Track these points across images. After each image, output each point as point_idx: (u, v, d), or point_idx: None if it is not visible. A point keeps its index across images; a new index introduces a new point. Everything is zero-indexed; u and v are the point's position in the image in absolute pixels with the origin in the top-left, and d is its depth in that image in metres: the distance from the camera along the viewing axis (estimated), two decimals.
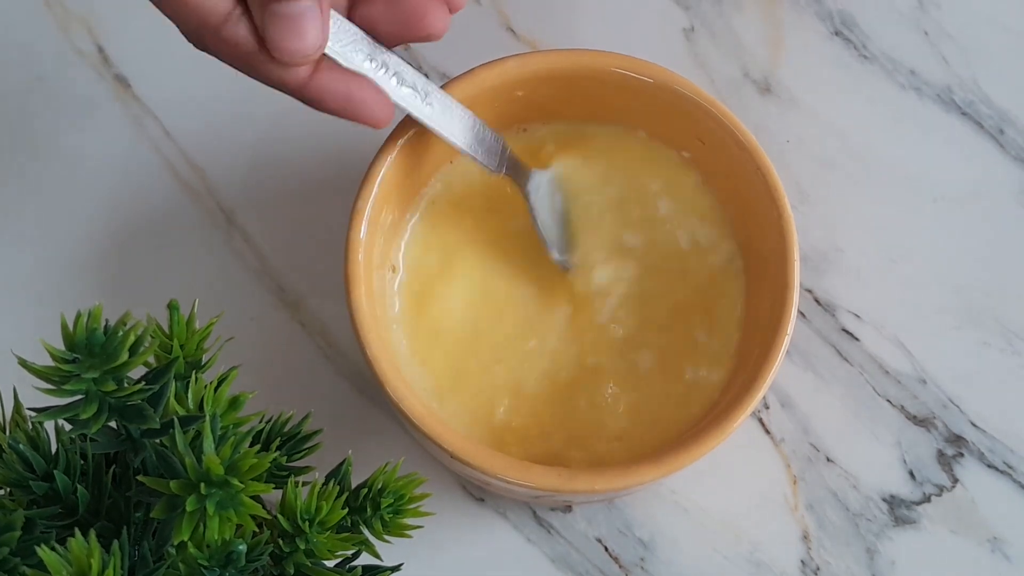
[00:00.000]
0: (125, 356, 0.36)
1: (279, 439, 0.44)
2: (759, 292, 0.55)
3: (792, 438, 0.59)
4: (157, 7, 0.44)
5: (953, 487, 0.58)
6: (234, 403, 0.41)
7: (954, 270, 0.61)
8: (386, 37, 0.48)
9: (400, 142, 0.53)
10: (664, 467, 0.50)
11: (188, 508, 0.36)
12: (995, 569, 0.57)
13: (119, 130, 0.62)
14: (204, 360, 0.43)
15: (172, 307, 0.42)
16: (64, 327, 0.35)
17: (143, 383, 0.38)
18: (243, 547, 0.37)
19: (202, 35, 0.44)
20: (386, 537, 0.43)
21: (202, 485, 0.37)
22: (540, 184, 0.56)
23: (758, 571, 0.57)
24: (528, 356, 0.55)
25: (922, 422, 0.59)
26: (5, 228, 0.61)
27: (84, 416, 0.36)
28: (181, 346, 0.42)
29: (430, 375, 0.55)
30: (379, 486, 0.42)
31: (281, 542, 0.41)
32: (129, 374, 0.37)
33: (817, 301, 0.61)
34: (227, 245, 0.61)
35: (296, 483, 0.41)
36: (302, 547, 0.41)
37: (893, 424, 0.59)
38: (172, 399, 0.39)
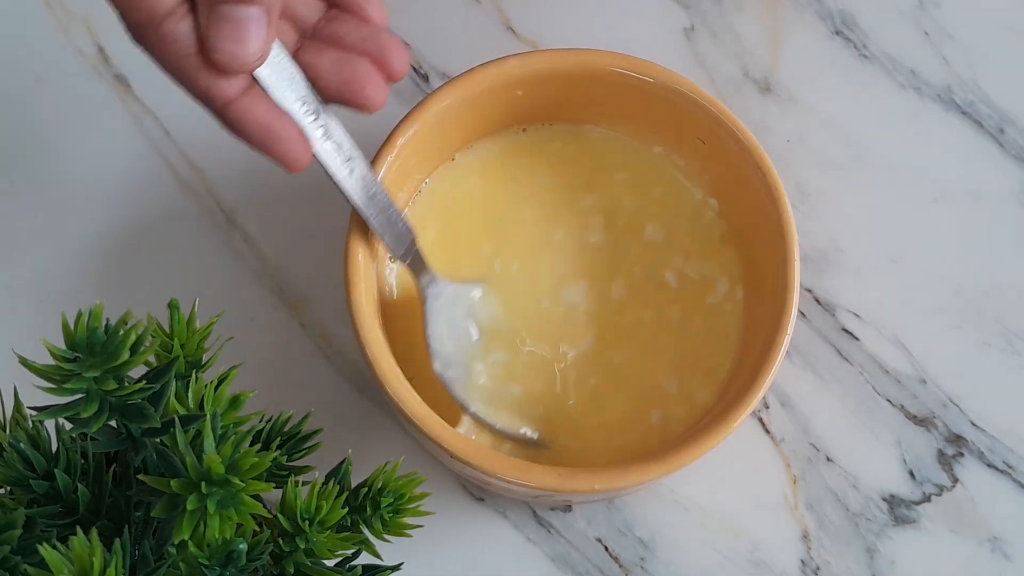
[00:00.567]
0: (126, 355, 0.36)
1: (279, 438, 0.44)
2: (759, 292, 0.55)
3: (792, 438, 0.59)
4: None
5: (953, 487, 0.58)
6: (234, 402, 0.41)
7: (954, 270, 0.61)
8: (323, 92, 0.47)
9: (400, 142, 0.53)
10: (664, 467, 0.50)
11: (189, 507, 0.36)
12: (995, 569, 0.57)
13: (119, 130, 0.62)
14: (204, 359, 0.43)
15: (172, 306, 0.42)
16: (65, 326, 0.35)
17: (144, 382, 0.38)
18: (243, 546, 0.37)
19: (145, 30, 0.43)
20: (386, 536, 0.43)
21: (203, 484, 0.37)
22: (442, 292, 0.54)
23: (758, 571, 0.57)
24: (528, 353, 0.55)
25: (922, 422, 0.59)
26: (5, 228, 0.61)
27: (85, 415, 0.36)
28: (182, 345, 0.42)
29: (430, 375, 0.55)
30: (379, 485, 0.42)
31: (281, 541, 0.41)
32: (130, 373, 0.37)
33: (817, 301, 0.61)
34: (227, 245, 0.61)
35: (296, 482, 0.41)
36: (302, 546, 0.41)
37: (893, 424, 0.59)
38: (173, 398, 0.39)
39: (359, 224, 0.52)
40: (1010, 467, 0.59)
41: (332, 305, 0.60)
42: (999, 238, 0.62)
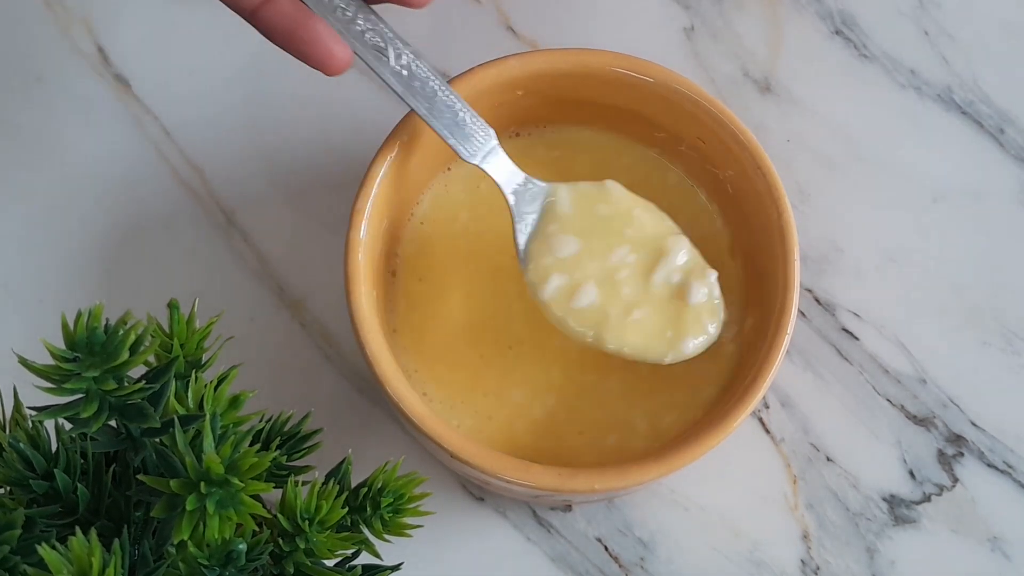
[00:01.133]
0: (125, 355, 0.36)
1: (279, 438, 0.44)
2: (759, 292, 0.55)
3: (792, 438, 0.59)
4: None
5: (953, 487, 0.58)
6: (234, 402, 0.41)
7: (954, 270, 0.61)
8: None
9: (400, 142, 0.53)
10: (664, 467, 0.50)
11: (188, 507, 0.36)
12: (995, 569, 0.57)
13: (119, 130, 0.62)
14: (204, 359, 0.43)
15: (172, 306, 0.42)
16: (65, 326, 0.35)
17: (143, 382, 0.38)
18: (243, 546, 0.37)
19: None
20: (386, 536, 0.43)
21: (202, 484, 0.37)
22: (527, 191, 0.53)
23: (758, 571, 0.57)
24: (528, 354, 0.55)
25: (922, 422, 0.59)
26: (5, 227, 0.61)
27: (84, 415, 0.36)
28: (181, 345, 0.42)
29: (430, 375, 0.55)
30: (379, 485, 0.42)
31: (281, 541, 0.41)
32: (129, 373, 0.37)
33: (817, 301, 0.61)
34: (227, 245, 0.61)
35: (296, 482, 0.41)
36: (302, 546, 0.41)
37: (893, 424, 0.59)
38: (172, 398, 0.39)
39: (359, 224, 0.52)
40: (1010, 467, 0.59)
41: (332, 305, 0.60)
42: (999, 238, 0.62)
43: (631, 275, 0.53)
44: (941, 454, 0.59)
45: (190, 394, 0.40)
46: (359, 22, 0.48)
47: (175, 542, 0.37)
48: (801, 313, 0.60)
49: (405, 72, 0.50)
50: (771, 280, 0.53)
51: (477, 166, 0.52)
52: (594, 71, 0.55)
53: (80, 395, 0.36)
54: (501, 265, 0.57)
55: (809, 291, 0.60)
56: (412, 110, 0.50)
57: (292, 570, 0.41)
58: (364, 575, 0.43)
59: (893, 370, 0.60)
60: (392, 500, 0.42)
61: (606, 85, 0.55)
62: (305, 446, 0.44)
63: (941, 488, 0.58)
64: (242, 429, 0.41)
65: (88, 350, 0.35)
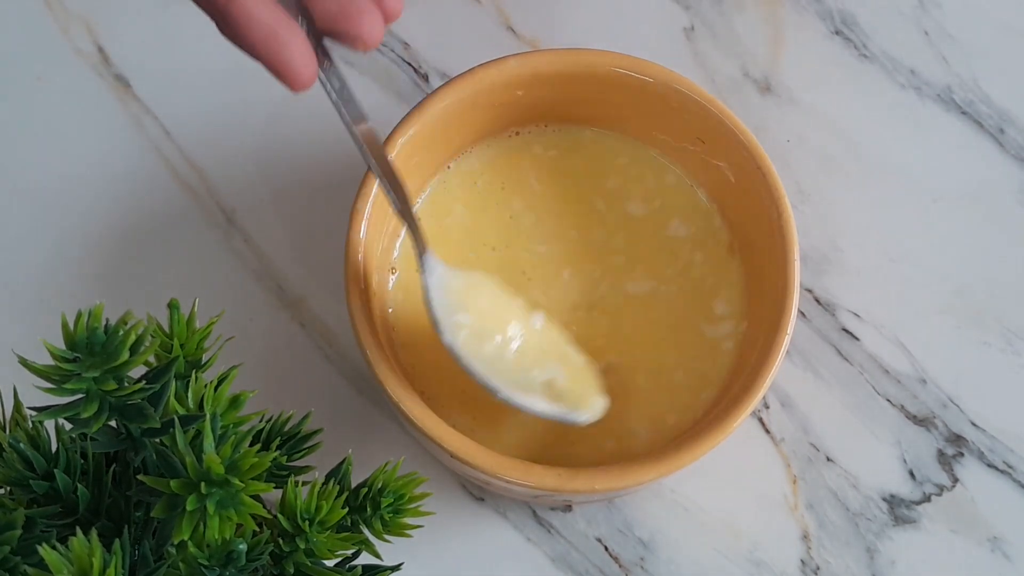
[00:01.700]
0: (126, 355, 0.36)
1: (279, 438, 0.44)
2: (759, 292, 0.55)
3: (792, 438, 0.59)
4: None
5: (953, 487, 0.58)
6: (234, 402, 0.41)
7: (954, 270, 0.61)
8: (317, 23, 0.43)
9: (400, 142, 0.53)
10: (664, 467, 0.50)
11: (188, 507, 0.36)
12: (995, 569, 0.57)
13: (119, 130, 0.62)
14: (204, 359, 0.43)
15: (172, 306, 0.42)
16: (65, 326, 0.35)
17: (143, 382, 0.38)
18: (243, 546, 0.37)
19: None
20: (386, 537, 0.43)
21: (202, 484, 0.37)
22: (435, 269, 0.52)
23: (758, 571, 0.57)
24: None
25: (922, 422, 0.59)
26: (5, 227, 0.61)
27: (84, 415, 0.36)
28: (181, 345, 0.42)
29: (429, 375, 0.55)
30: (379, 486, 0.42)
31: (281, 541, 0.41)
32: (129, 373, 0.37)
33: (817, 301, 0.61)
34: (227, 245, 0.61)
35: (296, 482, 0.41)
36: (302, 546, 0.41)
37: (893, 424, 0.59)
38: (172, 398, 0.39)
39: (359, 224, 0.52)
40: (1010, 467, 0.59)
41: (332, 305, 0.60)
42: (999, 238, 0.62)
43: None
44: (941, 454, 0.59)
45: (190, 394, 0.40)
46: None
47: (175, 542, 0.37)
48: (801, 313, 0.60)
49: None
50: (771, 280, 0.53)
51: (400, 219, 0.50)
52: (594, 71, 0.55)
53: (80, 395, 0.36)
54: (501, 265, 0.57)
55: (809, 291, 0.60)
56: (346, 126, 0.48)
57: (292, 570, 0.41)
58: (364, 575, 0.43)
59: (893, 370, 0.60)
60: (392, 500, 0.42)
61: (606, 85, 0.55)
62: (305, 446, 0.44)
63: (941, 488, 0.58)
64: (242, 429, 0.41)
65: (88, 350, 0.35)
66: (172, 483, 0.37)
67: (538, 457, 0.54)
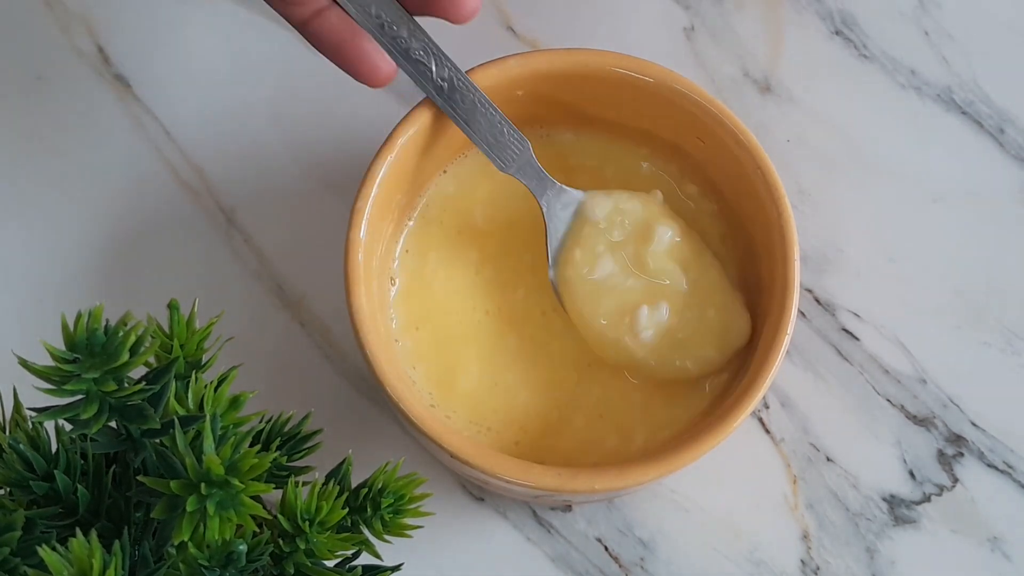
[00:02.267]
0: (126, 356, 0.36)
1: (279, 439, 0.44)
2: (759, 292, 0.55)
3: (792, 438, 0.59)
4: None
5: (953, 487, 0.58)
6: (234, 403, 0.41)
7: (954, 270, 0.61)
8: (409, 3, 0.49)
9: (401, 142, 0.53)
10: (664, 467, 0.50)
11: (188, 508, 0.36)
12: (995, 569, 0.57)
13: (119, 130, 0.62)
14: (204, 360, 0.43)
15: (172, 307, 0.42)
16: (65, 327, 0.35)
17: (143, 383, 0.38)
18: (243, 547, 0.37)
19: None
20: (386, 537, 0.43)
21: (202, 485, 0.37)
22: (560, 199, 0.54)
23: (758, 571, 0.57)
24: (526, 358, 0.55)
25: (922, 422, 0.59)
26: (5, 227, 0.61)
27: (84, 416, 0.36)
28: (181, 346, 0.42)
29: (429, 375, 0.55)
30: (379, 486, 0.42)
31: (281, 542, 0.41)
32: (129, 374, 0.37)
33: (817, 301, 0.61)
34: (227, 245, 0.61)
35: (296, 483, 0.41)
36: (302, 547, 0.41)
37: (893, 424, 0.59)
38: (172, 399, 0.39)
39: (359, 224, 0.52)
40: (1010, 467, 0.59)
41: (332, 305, 0.60)
42: (999, 238, 0.62)
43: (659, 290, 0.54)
44: (941, 454, 0.59)
45: (190, 395, 0.40)
46: (403, 36, 0.50)
47: (175, 543, 0.37)
48: (801, 313, 0.60)
49: (446, 85, 0.51)
50: (771, 280, 0.53)
51: (513, 176, 0.53)
52: (594, 71, 0.55)
53: (80, 396, 0.36)
54: (502, 266, 0.57)
55: (809, 291, 0.60)
56: (452, 119, 0.52)
57: (292, 571, 0.41)
58: (364, 575, 0.43)
59: (893, 370, 0.60)
60: (392, 501, 0.42)
61: (606, 85, 0.55)
62: (305, 447, 0.44)
63: (941, 488, 0.58)
64: (242, 430, 0.41)
65: (88, 351, 0.35)
66: (172, 484, 0.37)
67: (538, 457, 0.54)
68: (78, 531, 0.35)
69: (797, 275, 0.52)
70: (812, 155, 0.62)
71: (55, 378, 0.35)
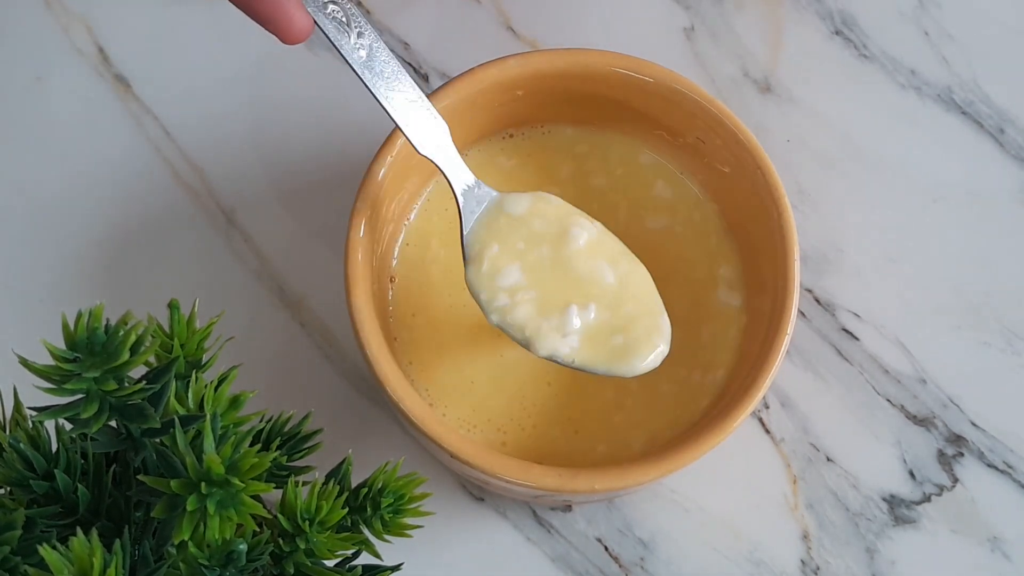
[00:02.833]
0: (126, 355, 0.36)
1: (279, 439, 0.44)
2: (759, 292, 0.55)
3: (792, 438, 0.59)
4: None
5: (953, 487, 0.58)
6: (234, 402, 0.41)
7: (954, 270, 0.61)
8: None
9: (401, 142, 0.53)
10: (664, 467, 0.50)
11: (189, 507, 0.36)
12: (995, 569, 0.57)
13: (119, 130, 0.62)
14: (204, 360, 0.43)
15: (172, 307, 0.42)
16: (65, 326, 0.35)
17: (144, 382, 0.38)
18: (243, 546, 0.37)
19: None
20: (386, 537, 0.43)
21: (203, 484, 0.37)
22: (475, 195, 0.51)
23: (758, 571, 0.57)
24: (526, 358, 0.55)
25: (922, 422, 0.59)
26: (5, 228, 0.61)
27: (85, 415, 0.36)
28: (182, 345, 0.42)
29: (429, 375, 0.55)
30: (379, 486, 0.42)
31: (281, 542, 0.41)
32: (130, 373, 0.37)
33: (817, 301, 0.61)
34: (227, 245, 0.61)
35: (296, 483, 0.41)
36: (302, 547, 0.41)
37: (893, 424, 0.59)
38: (172, 398, 0.39)
39: (359, 224, 0.52)
40: (1010, 467, 0.59)
41: (332, 305, 0.60)
42: (999, 238, 0.62)
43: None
44: (941, 454, 0.59)
45: (190, 394, 0.40)
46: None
47: (176, 542, 0.37)
48: (801, 313, 0.60)
49: (364, 52, 0.48)
50: (771, 280, 0.53)
51: (427, 158, 0.50)
52: (594, 71, 0.55)
53: (80, 395, 0.36)
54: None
55: (809, 291, 0.60)
56: (367, 90, 0.48)
57: (292, 570, 0.41)
58: (364, 575, 0.43)
59: (893, 370, 0.60)
60: (392, 500, 0.42)
61: (606, 85, 0.55)
62: (305, 446, 0.44)
63: (941, 488, 0.58)
64: (242, 429, 0.41)
65: (88, 350, 0.35)
66: (172, 483, 0.37)
67: (537, 457, 0.54)
68: (78, 530, 0.35)
69: (797, 275, 0.52)
70: (812, 155, 0.62)
71: (55, 377, 0.35)
